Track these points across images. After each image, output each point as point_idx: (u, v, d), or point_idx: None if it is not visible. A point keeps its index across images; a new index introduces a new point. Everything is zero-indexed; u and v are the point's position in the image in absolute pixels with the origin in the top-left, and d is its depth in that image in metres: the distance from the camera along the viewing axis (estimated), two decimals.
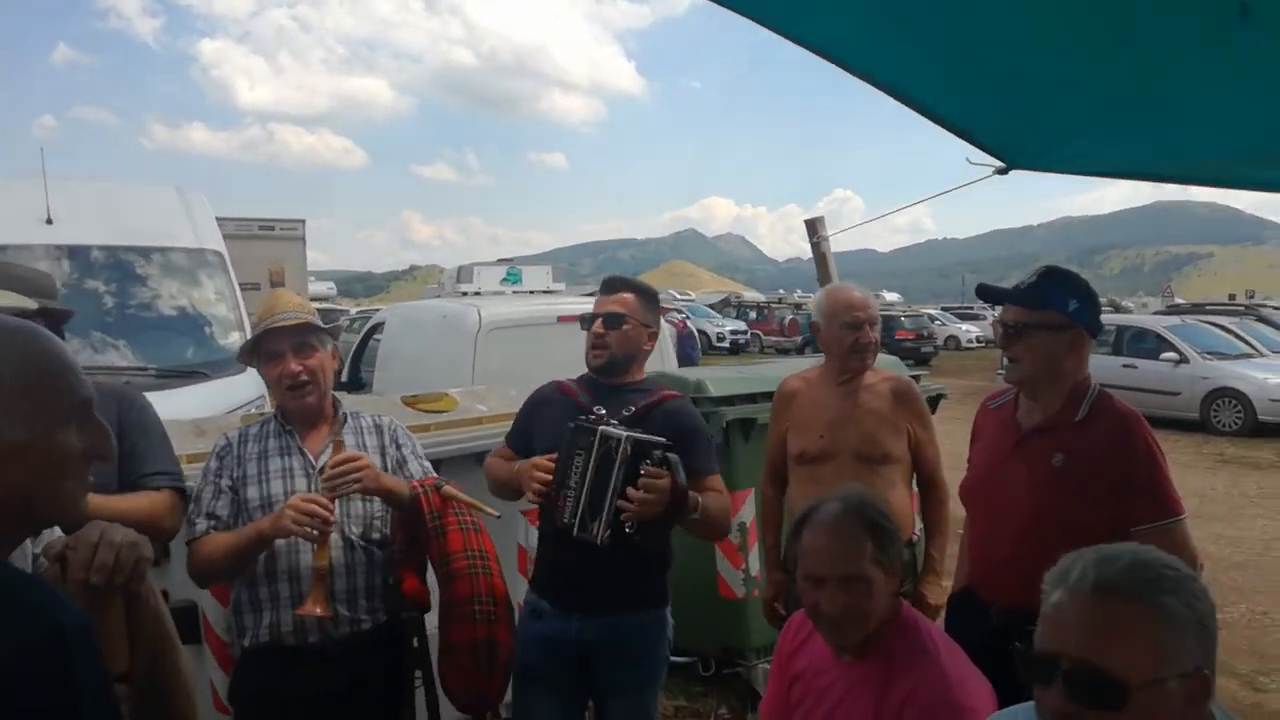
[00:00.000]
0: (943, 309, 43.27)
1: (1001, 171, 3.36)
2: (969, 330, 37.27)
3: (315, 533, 2.47)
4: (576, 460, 2.68)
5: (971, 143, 3.24)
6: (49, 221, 6.24)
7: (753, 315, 39.58)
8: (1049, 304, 2.68)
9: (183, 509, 2.56)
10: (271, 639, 2.60)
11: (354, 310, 28.37)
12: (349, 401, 2.97)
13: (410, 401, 3.91)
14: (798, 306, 41.54)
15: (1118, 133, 2.92)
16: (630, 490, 2.56)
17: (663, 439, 2.67)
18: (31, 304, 2.24)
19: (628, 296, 2.95)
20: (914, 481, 3.49)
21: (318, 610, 2.50)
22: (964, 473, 3.02)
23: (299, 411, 2.71)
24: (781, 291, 57.34)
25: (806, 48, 2.57)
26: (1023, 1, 2.17)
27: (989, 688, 2.05)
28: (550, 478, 2.71)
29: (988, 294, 2.99)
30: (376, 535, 2.72)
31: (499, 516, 2.85)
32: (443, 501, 2.70)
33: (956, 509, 3.16)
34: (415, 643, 2.76)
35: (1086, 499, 2.60)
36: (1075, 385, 2.73)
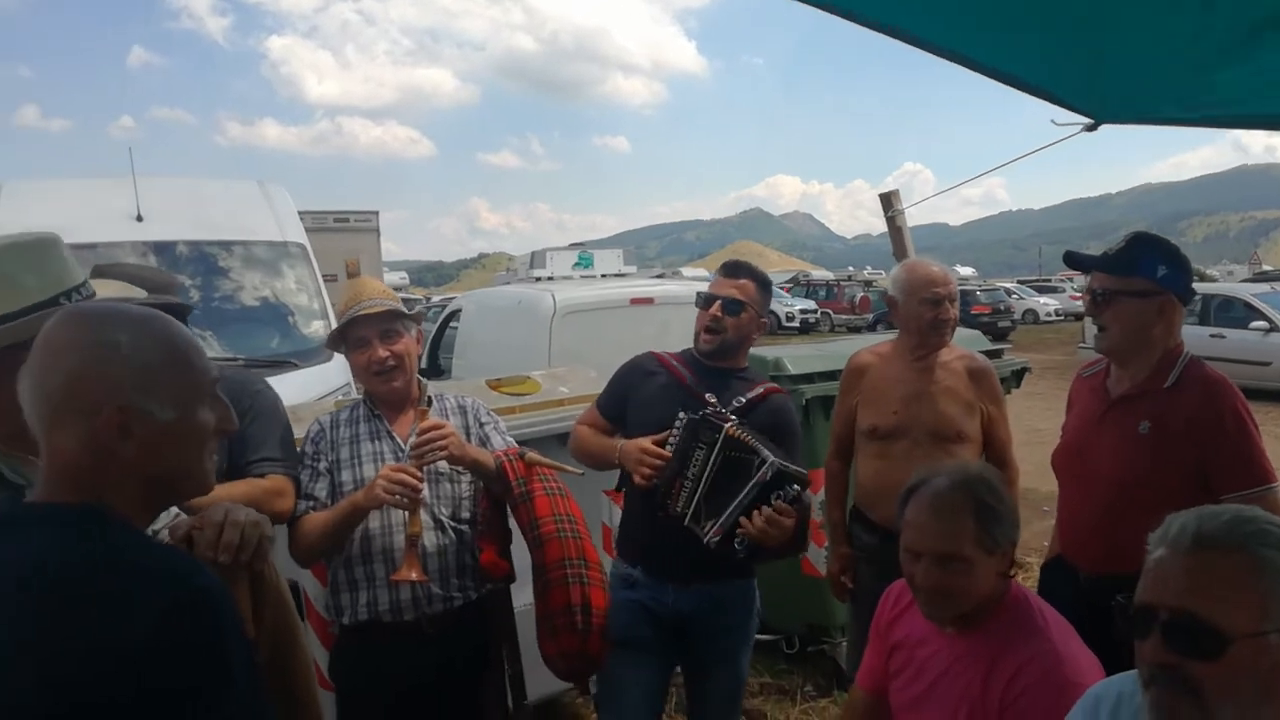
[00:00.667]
0: (1019, 282, 42.30)
1: (1090, 128, 3.25)
2: (1047, 304, 36.39)
3: (405, 500, 2.52)
4: (697, 453, 2.70)
5: (1054, 101, 3.14)
6: (139, 219, 6.44)
7: (822, 293, 39.20)
8: (1137, 270, 2.65)
9: (292, 496, 2.61)
10: (370, 617, 2.68)
11: (427, 299, 28.84)
12: (432, 386, 3.02)
13: (494, 384, 3.97)
14: (868, 284, 41.00)
15: (1214, 75, 2.80)
16: (756, 515, 2.57)
17: (803, 473, 2.67)
18: (140, 293, 2.34)
19: (748, 284, 2.96)
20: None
21: (412, 575, 2.55)
22: (1038, 449, 2.97)
23: (387, 395, 2.77)
24: (851, 269, 56.59)
25: (872, 26, 2.53)
26: None
27: (1098, 663, 2.02)
28: (661, 464, 2.74)
29: (1076, 261, 2.96)
30: (465, 515, 2.78)
31: (582, 474, 2.89)
32: (527, 468, 2.75)
33: (1027, 488, 3.14)
34: (499, 616, 2.82)
35: (1173, 466, 2.58)
36: (1166, 352, 2.69)
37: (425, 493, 2.60)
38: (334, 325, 6.73)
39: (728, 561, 2.86)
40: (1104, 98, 3.10)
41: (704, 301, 2.95)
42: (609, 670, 2.96)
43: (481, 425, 2.91)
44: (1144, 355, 2.69)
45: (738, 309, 2.90)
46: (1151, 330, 2.66)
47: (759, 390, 2.93)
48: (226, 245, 6.55)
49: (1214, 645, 1.35)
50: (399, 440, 2.77)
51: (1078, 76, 2.97)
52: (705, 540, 2.64)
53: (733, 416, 2.76)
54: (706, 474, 2.67)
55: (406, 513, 2.58)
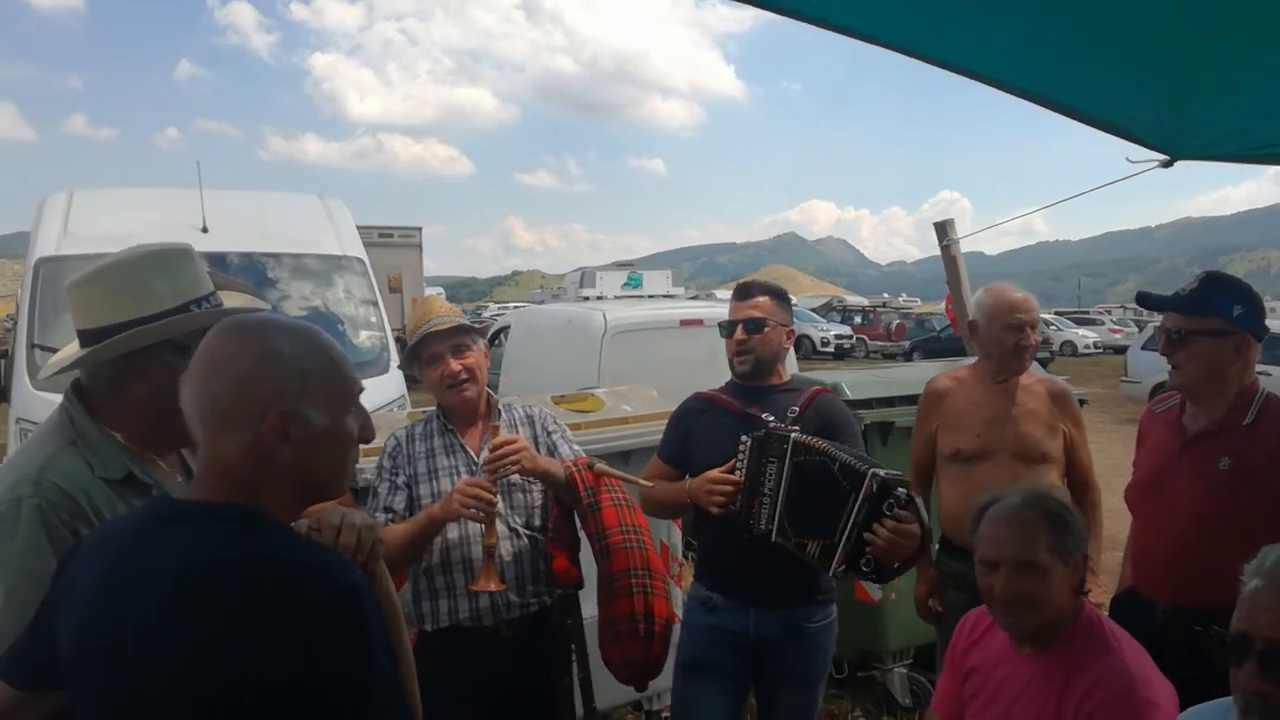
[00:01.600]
0: (1057, 314, 41.89)
1: (1165, 164, 3.28)
2: (1085, 336, 35.96)
3: (481, 514, 2.60)
4: (769, 468, 2.73)
5: (1129, 139, 3.17)
6: (205, 230, 6.61)
7: (857, 319, 39.02)
8: (1211, 310, 2.68)
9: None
10: (451, 623, 2.75)
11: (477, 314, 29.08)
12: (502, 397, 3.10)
13: (558, 400, 4.04)
14: (903, 311, 40.74)
15: None
16: (879, 529, 2.54)
17: (904, 476, 2.68)
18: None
19: (763, 299, 3.00)
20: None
21: (491, 586, 2.64)
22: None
23: (460, 406, 2.85)
24: (886, 295, 56.35)
25: (947, 67, 2.56)
26: None
27: (1170, 686, 2.05)
28: (732, 489, 2.77)
29: (1149, 301, 2.98)
30: (538, 523, 2.85)
31: (652, 487, 2.93)
32: (595, 479, 2.83)
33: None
34: (569, 621, 2.87)
35: (1254, 501, 2.61)
36: (1242, 389, 2.72)
37: (500, 504, 2.68)
38: (389, 338, 6.80)
39: (813, 586, 2.91)
40: (1180, 134, 3.13)
41: (727, 329, 3.01)
42: (684, 693, 3.01)
43: (549, 434, 2.98)
44: (1221, 392, 2.73)
45: (759, 326, 2.94)
46: (1228, 369, 2.69)
47: (806, 396, 2.97)
48: (290, 258, 6.71)
49: None
50: (471, 453, 2.85)
51: (1154, 113, 3.00)
52: (831, 573, 2.64)
53: (794, 426, 2.80)
54: (783, 486, 2.70)
55: (483, 525, 2.65)
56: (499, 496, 2.67)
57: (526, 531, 2.82)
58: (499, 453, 2.66)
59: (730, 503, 2.78)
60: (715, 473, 2.82)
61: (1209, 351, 2.68)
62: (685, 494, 2.92)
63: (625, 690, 3.73)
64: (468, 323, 2.88)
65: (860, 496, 2.56)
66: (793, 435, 2.72)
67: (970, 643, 2.37)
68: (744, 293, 3.05)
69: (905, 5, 2.20)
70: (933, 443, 3.46)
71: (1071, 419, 3.36)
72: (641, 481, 2.92)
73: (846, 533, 2.58)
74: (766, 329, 2.95)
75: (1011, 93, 2.81)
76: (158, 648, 1.24)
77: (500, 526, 2.74)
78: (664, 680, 3.27)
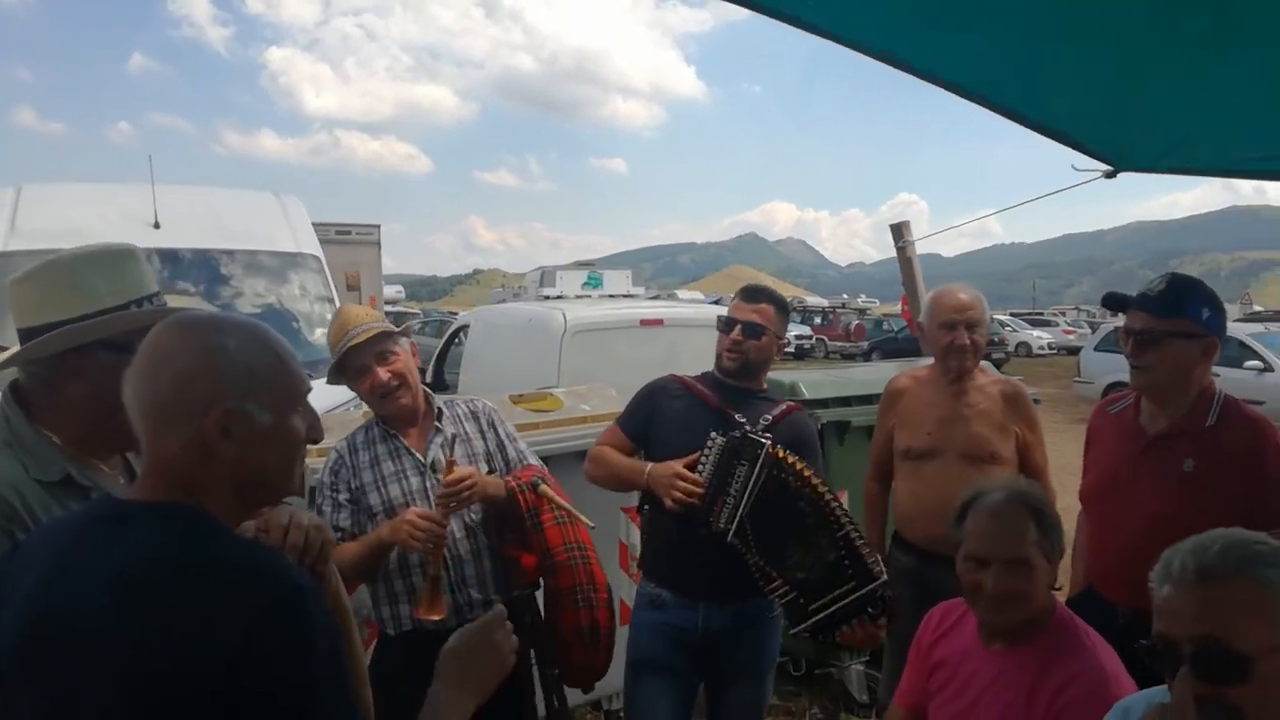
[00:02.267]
0: (1012, 314, 42.49)
1: (1109, 175, 3.34)
2: (1040, 337, 36.51)
3: (430, 546, 2.60)
4: (738, 470, 2.75)
5: (1075, 147, 3.22)
6: (156, 226, 6.49)
7: (817, 320, 39.31)
8: (1181, 312, 2.69)
9: None
10: (413, 626, 2.73)
11: (423, 313, 28.81)
12: (444, 394, 3.05)
13: (517, 400, 4.02)
14: (863, 311, 41.12)
15: (1241, 131, 2.88)
16: (856, 628, 2.70)
17: (885, 577, 2.76)
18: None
19: (768, 309, 3.01)
20: None
21: (434, 615, 2.64)
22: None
23: (397, 414, 2.81)
24: (845, 296, 56.82)
25: (901, 68, 2.58)
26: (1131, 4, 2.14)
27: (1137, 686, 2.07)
28: (697, 490, 2.78)
29: (1114, 301, 2.96)
30: (484, 519, 2.84)
31: (594, 527, 2.92)
32: (538, 499, 2.81)
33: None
34: (528, 619, 2.86)
35: (1217, 503, 2.60)
36: (1202, 391, 2.75)
37: (448, 527, 2.67)
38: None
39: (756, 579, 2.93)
40: (1124, 147, 3.18)
41: (725, 325, 3.02)
42: (634, 693, 3.03)
43: (496, 430, 2.97)
44: (1183, 394, 2.75)
45: (758, 333, 2.97)
46: (1194, 371, 2.72)
47: (781, 408, 3.00)
48: (244, 255, 6.61)
49: (1240, 667, 1.43)
50: (417, 456, 2.81)
51: (1100, 125, 3.04)
52: (793, 630, 2.79)
53: (769, 435, 2.82)
54: (749, 491, 2.72)
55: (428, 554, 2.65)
56: (450, 520, 2.66)
57: (484, 530, 2.81)
58: (452, 490, 2.64)
59: (695, 500, 2.78)
60: (681, 467, 2.83)
61: (1179, 354, 2.69)
62: (643, 477, 2.91)
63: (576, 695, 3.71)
64: (387, 326, 2.82)
65: (864, 591, 2.69)
66: (768, 446, 2.75)
67: (937, 637, 2.39)
68: (752, 296, 3.06)
69: (865, 5, 2.21)
70: (891, 440, 3.50)
71: (1025, 420, 3.38)
72: (584, 520, 2.89)
73: (833, 612, 2.69)
74: (764, 336, 2.98)
75: (962, 95, 2.82)
76: (97, 650, 1.21)
77: (456, 525, 2.73)
78: (621, 680, 3.27)
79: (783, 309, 3.08)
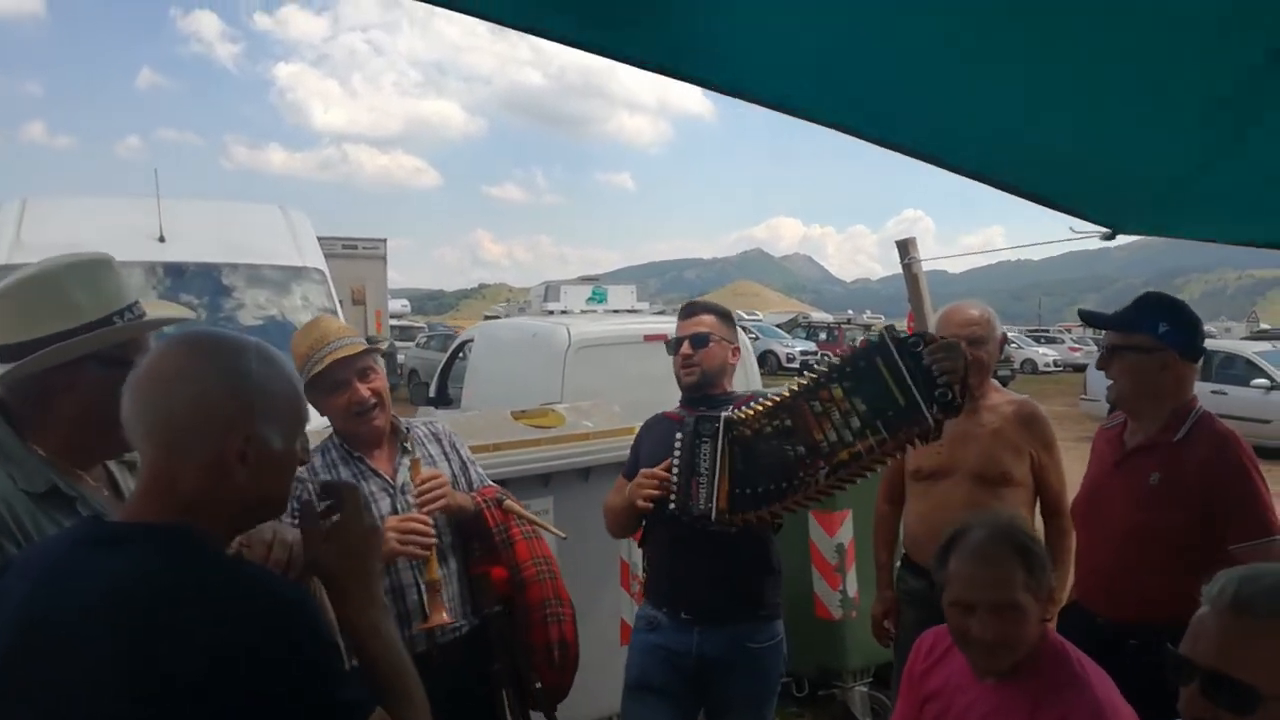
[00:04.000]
0: (1018, 332, 42.44)
1: (1107, 237, 3.38)
2: (1046, 354, 36.45)
3: (421, 549, 2.56)
4: (703, 448, 2.75)
5: (1075, 215, 3.22)
6: (161, 239, 6.50)
7: (822, 335, 39.28)
8: (1139, 327, 2.80)
9: None
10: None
11: (429, 327, 28.86)
12: (440, 416, 3.01)
13: (519, 416, 4.00)
14: (868, 328, 41.08)
15: (1237, 203, 2.89)
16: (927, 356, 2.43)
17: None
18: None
19: (707, 318, 3.08)
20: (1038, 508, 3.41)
21: (445, 618, 2.59)
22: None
23: (369, 435, 2.72)
24: (850, 312, 56.82)
25: (902, 151, 2.57)
26: (1132, 88, 2.07)
27: (1134, 714, 2.03)
28: (662, 477, 2.82)
29: (1090, 319, 3.10)
30: (452, 540, 2.80)
31: (565, 537, 2.96)
32: (504, 515, 2.82)
33: None
34: (504, 638, 2.82)
35: (1182, 517, 2.67)
36: (1179, 407, 2.80)
37: (434, 525, 2.63)
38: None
39: (756, 603, 2.93)
40: (1122, 218, 3.22)
41: (674, 346, 3.08)
42: (631, 715, 3.01)
43: (457, 451, 2.94)
44: (1154, 408, 2.81)
45: (704, 340, 3.02)
46: (1156, 383, 2.78)
47: (744, 395, 3.04)
48: (248, 268, 6.61)
49: (1247, 702, 1.42)
50: (386, 478, 2.72)
51: (1097, 195, 3.07)
52: (712, 510, 2.68)
53: (728, 408, 2.82)
54: (718, 462, 2.71)
55: (423, 561, 2.61)
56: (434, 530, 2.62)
57: (451, 553, 2.77)
58: (427, 486, 2.61)
59: (668, 494, 2.79)
60: (645, 469, 2.89)
61: (1134, 366, 2.79)
62: (627, 500, 2.95)
63: (584, 710, 3.67)
64: (371, 344, 2.74)
65: (895, 354, 2.47)
66: (723, 414, 2.76)
67: (929, 665, 2.33)
68: (688, 312, 3.15)
69: (848, 88, 2.18)
70: (901, 460, 3.46)
71: (1041, 442, 3.31)
72: (554, 530, 2.94)
73: (912, 388, 2.45)
74: (711, 343, 3.02)
75: (955, 171, 2.81)
76: (88, 661, 1.19)
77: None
78: (616, 702, 3.24)
79: (724, 316, 3.13)
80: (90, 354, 1.75)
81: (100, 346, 1.75)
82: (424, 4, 1.43)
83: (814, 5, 1.70)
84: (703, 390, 3.03)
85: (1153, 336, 2.76)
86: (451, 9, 1.56)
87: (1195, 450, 2.70)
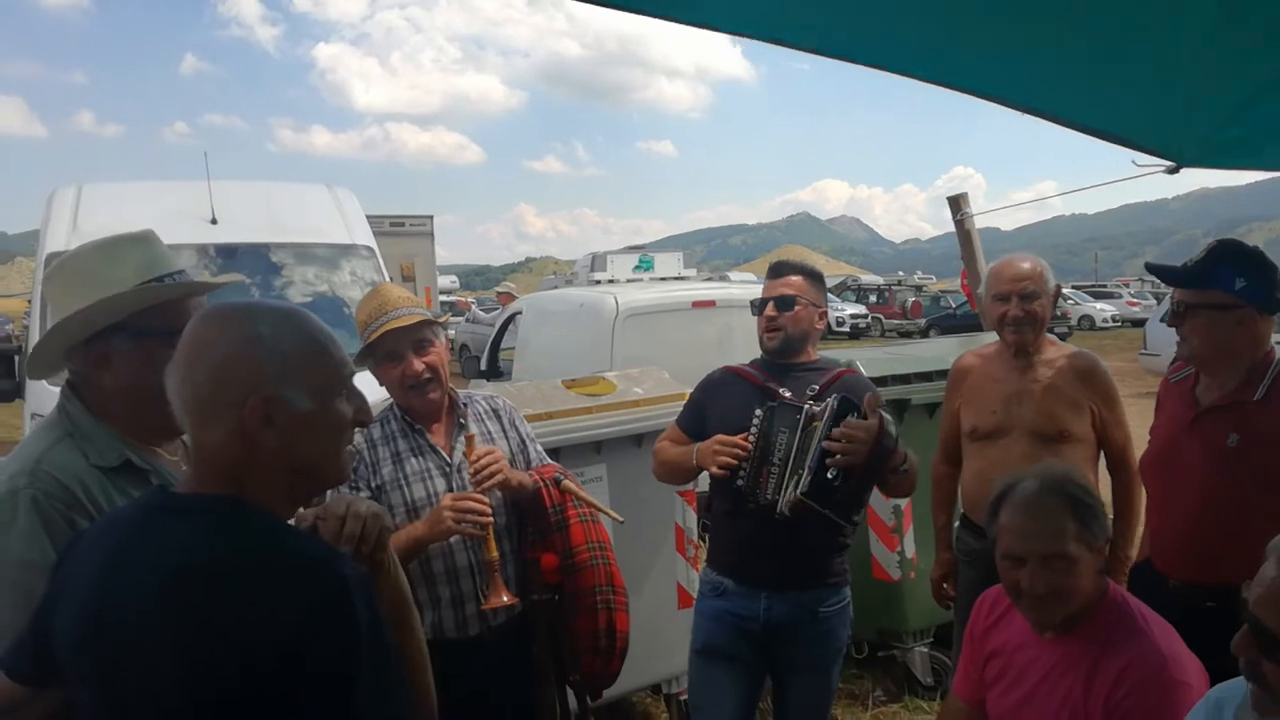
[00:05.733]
0: (1074, 288, 41.57)
1: (1172, 171, 3.19)
2: (1103, 309, 35.66)
3: (477, 528, 2.51)
4: (780, 438, 2.70)
5: (1135, 148, 3.09)
6: (214, 221, 6.60)
7: (872, 299, 38.84)
8: (1214, 283, 2.65)
9: None
10: (434, 637, 2.55)
11: (476, 301, 29.01)
12: (490, 388, 2.97)
13: (570, 385, 4.00)
14: (919, 288, 40.54)
15: None
16: (835, 432, 2.56)
17: (860, 403, 2.65)
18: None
19: (795, 279, 2.98)
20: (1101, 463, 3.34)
21: (505, 599, 2.56)
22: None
23: (424, 408, 2.68)
24: (901, 273, 55.97)
25: (956, 89, 2.49)
26: None
27: (1200, 664, 2.00)
28: (743, 453, 2.74)
29: (1160, 273, 2.94)
30: (504, 522, 2.74)
31: (622, 521, 2.89)
32: (562, 495, 2.75)
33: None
34: (548, 625, 2.80)
35: (1260, 479, 2.58)
36: (1255, 362, 2.68)
37: (490, 504, 2.57)
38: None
39: (824, 569, 2.89)
40: (1186, 147, 3.05)
41: (759, 307, 3.00)
42: (699, 679, 3.00)
43: (517, 429, 2.87)
44: (1230, 365, 2.69)
45: (790, 304, 2.93)
46: (1233, 341, 2.66)
47: (831, 374, 2.95)
48: (299, 247, 6.69)
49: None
50: (443, 454, 2.69)
51: (1159, 129, 2.92)
52: (798, 492, 2.60)
53: (810, 401, 2.76)
54: (793, 456, 2.66)
55: (480, 539, 2.57)
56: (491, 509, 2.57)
57: (508, 532, 2.73)
58: (481, 462, 2.56)
59: (738, 468, 2.74)
60: (727, 436, 2.80)
61: (1210, 326, 2.66)
62: (692, 458, 2.89)
63: (642, 675, 3.69)
64: (429, 315, 2.67)
65: (824, 418, 2.59)
66: (806, 407, 2.69)
67: (990, 624, 2.32)
68: (777, 271, 3.05)
69: (902, 32, 2.12)
70: (958, 420, 3.41)
71: (1101, 396, 3.21)
72: (611, 513, 2.87)
73: (813, 454, 2.59)
74: (798, 306, 2.93)
75: (1015, 108, 2.71)
76: (153, 642, 1.22)
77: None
78: (682, 665, 3.24)
79: (814, 278, 3.03)
80: (116, 325, 1.75)
81: (117, 316, 1.75)
82: None
83: None
84: (785, 356, 2.96)
85: (1229, 293, 2.62)
86: None
87: (1276, 410, 2.61)
